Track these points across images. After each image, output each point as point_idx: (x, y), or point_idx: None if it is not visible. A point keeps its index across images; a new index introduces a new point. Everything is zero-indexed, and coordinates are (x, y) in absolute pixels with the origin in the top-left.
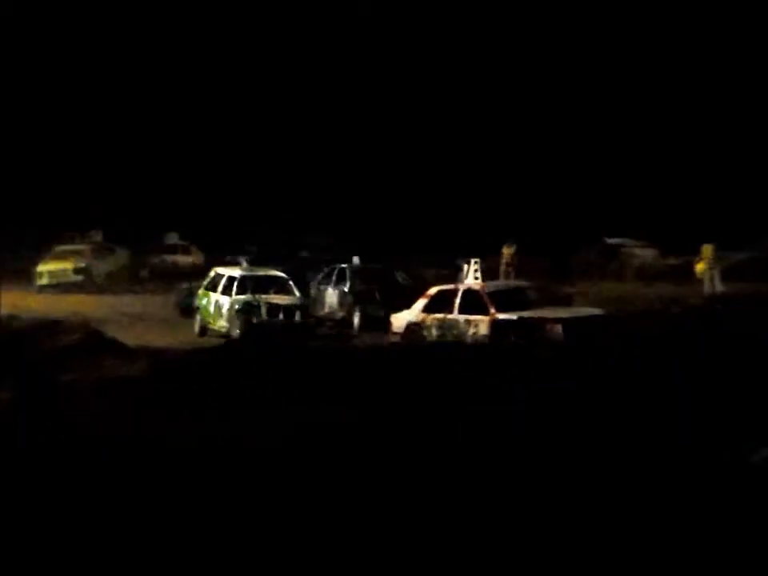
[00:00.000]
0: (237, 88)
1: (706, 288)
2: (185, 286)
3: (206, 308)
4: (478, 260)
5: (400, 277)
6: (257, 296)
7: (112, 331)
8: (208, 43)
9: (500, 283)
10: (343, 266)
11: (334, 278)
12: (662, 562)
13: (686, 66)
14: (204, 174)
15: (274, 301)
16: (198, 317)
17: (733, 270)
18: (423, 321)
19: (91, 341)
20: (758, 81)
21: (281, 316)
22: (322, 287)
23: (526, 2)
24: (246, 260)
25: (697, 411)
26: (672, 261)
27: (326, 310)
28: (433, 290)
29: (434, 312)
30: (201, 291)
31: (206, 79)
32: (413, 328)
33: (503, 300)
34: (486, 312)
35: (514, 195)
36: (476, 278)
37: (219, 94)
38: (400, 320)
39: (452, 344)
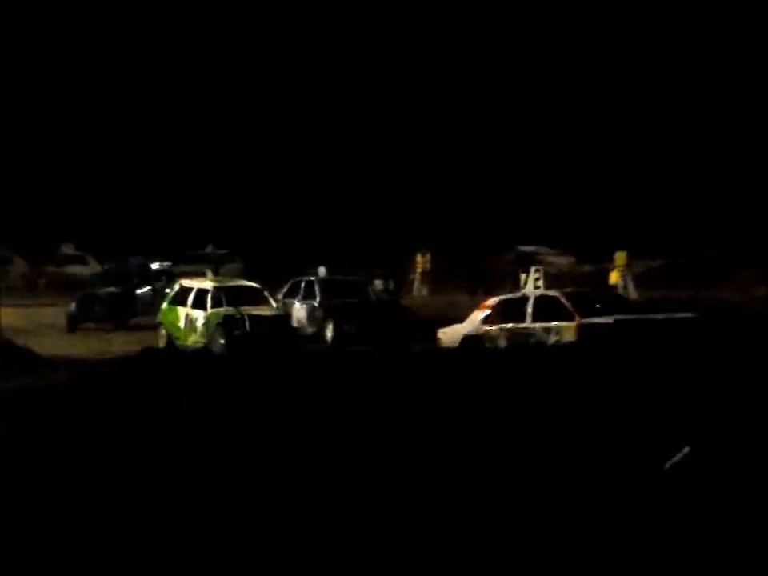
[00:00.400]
0: (236, 88)
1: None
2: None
3: (173, 323)
4: (539, 268)
5: (374, 289)
6: (239, 308)
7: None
8: (207, 43)
9: (573, 290)
10: (310, 278)
11: (301, 291)
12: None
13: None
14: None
15: (257, 312)
16: (164, 331)
17: (647, 277)
18: (487, 333)
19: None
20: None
21: (265, 328)
22: (287, 301)
23: (526, 3)
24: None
25: (611, 417)
26: (587, 268)
27: (294, 325)
28: (493, 301)
29: (500, 322)
30: (165, 306)
31: (205, 79)
32: (473, 341)
33: (583, 305)
34: (569, 318)
35: (426, 203)
36: (537, 287)
37: (218, 94)
38: (452, 334)
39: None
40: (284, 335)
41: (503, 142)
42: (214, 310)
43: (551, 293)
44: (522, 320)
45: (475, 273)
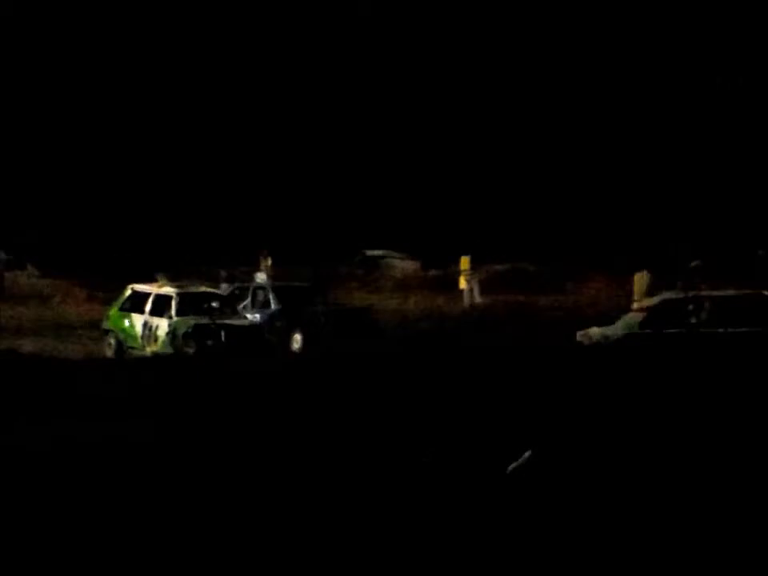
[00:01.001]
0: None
1: (466, 299)
2: None
3: (127, 331)
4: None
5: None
6: (213, 318)
7: None
8: (206, 43)
9: None
10: (260, 284)
11: (249, 298)
12: None
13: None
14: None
15: (232, 322)
16: (112, 340)
17: (493, 281)
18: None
19: None
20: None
21: (242, 339)
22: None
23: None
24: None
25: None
26: (433, 272)
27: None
28: (652, 301)
29: (662, 327)
30: (113, 311)
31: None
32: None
33: None
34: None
35: (268, 206)
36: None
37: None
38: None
39: None
40: (260, 346)
41: (351, 146)
42: (182, 318)
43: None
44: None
45: (321, 275)
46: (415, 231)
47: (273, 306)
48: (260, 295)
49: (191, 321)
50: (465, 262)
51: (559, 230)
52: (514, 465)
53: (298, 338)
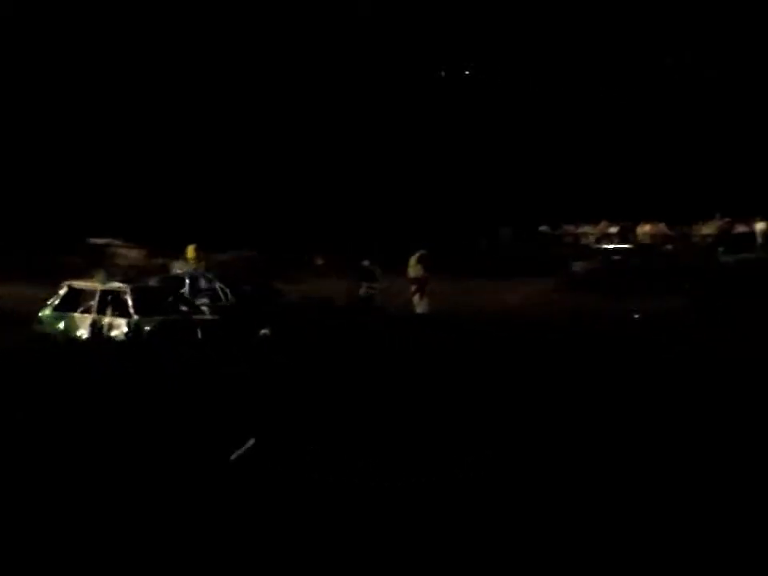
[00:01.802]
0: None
1: None
2: None
3: (68, 333)
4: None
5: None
6: (174, 314)
7: None
8: (205, 42)
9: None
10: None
11: (186, 290)
12: None
13: None
14: None
15: (203, 317)
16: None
17: (219, 269)
18: None
19: None
20: None
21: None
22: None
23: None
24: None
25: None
26: (159, 261)
27: None
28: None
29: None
30: (47, 314)
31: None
32: None
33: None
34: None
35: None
36: None
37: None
38: None
39: None
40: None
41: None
42: (144, 316)
43: None
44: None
45: (44, 264)
46: (140, 219)
47: (225, 299)
48: (200, 286)
49: (156, 318)
50: (191, 251)
51: (283, 219)
52: (237, 452)
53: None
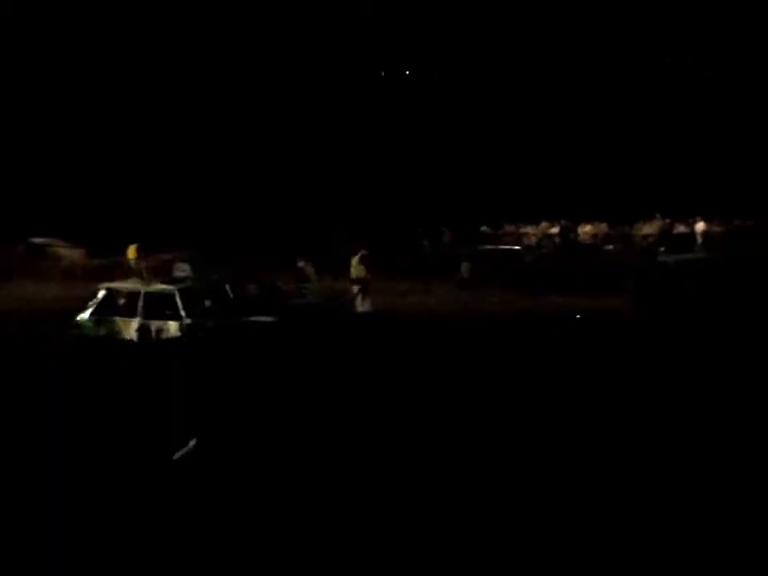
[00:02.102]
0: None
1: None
2: None
3: (114, 337)
4: None
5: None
6: (223, 316)
7: None
8: (205, 41)
9: None
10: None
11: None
12: None
13: None
14: None
15: (255, 319)
16: None
17: (162, 269)
18: None
19: None
20: None
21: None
22: None
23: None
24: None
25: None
26: (99, 261)
27: None
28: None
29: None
30: (86, 317)
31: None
32: None
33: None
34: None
35: None
36: None
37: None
38: None
39: None
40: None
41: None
42: (195, 319)
43: None
44: None
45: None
46: (80, 219)
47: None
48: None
49: (209, 321)
50: (132, 251)
51: (223, 218)
52: (180, 452)
53: None
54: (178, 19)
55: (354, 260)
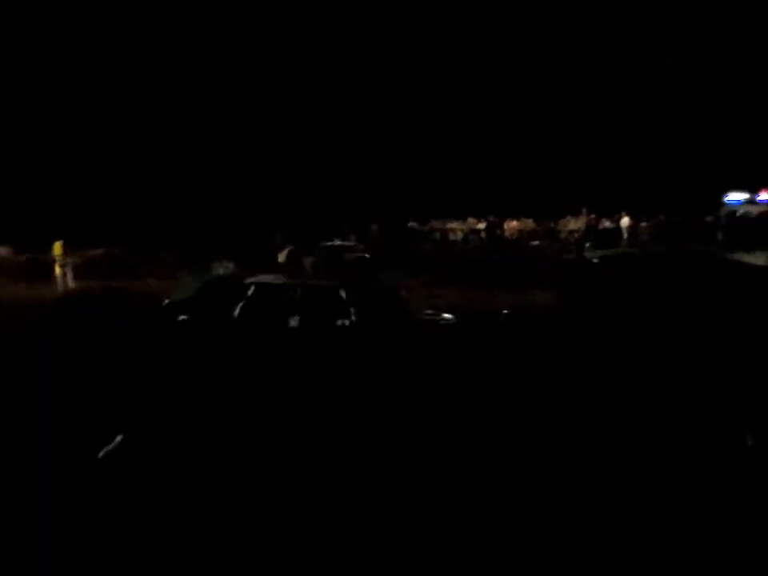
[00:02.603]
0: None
1: (60, 285)
2: None
3: None
4: None
5: None
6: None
7: None
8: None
9: None
10: None
11: None
12: None
13: None
14: None
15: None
16: None
17: (86, 267)
18: None
19: None
20: None
21: None
22: None
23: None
24: None
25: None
26: (27, 258)
27: None
28: None
29: None
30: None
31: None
32: None
33: None
34: None
35: None
36: None
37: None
38: None
39: None
40: None
41: None
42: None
43: None
44: None
45: None
46: (4, 216)
47: None
48: None
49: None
50: (58, 248)
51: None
52: (105, 449)
53: None
54: (172, 17)
55: (281, 256)
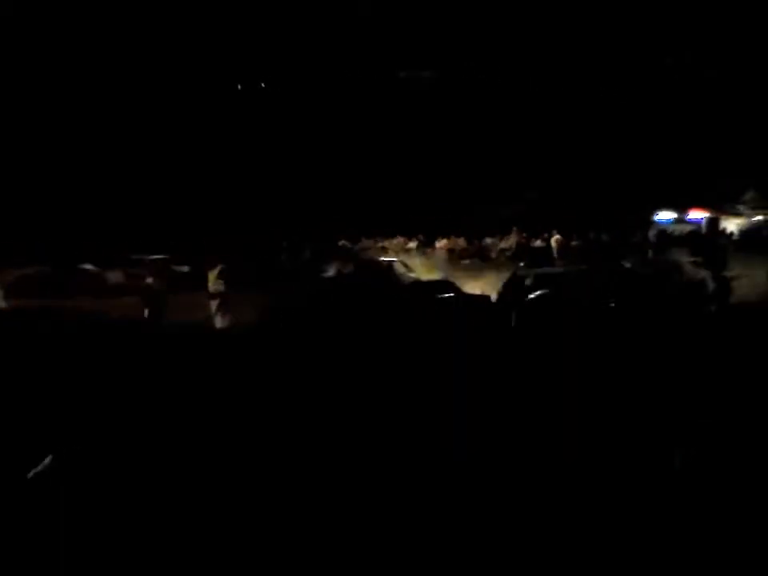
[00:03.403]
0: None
1: None
2: None
3: None
4: None
5: None
6: None
7: None
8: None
9: None
10: None
11: None
12: None
13: None
14: None
15: None
16: None
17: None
18: None
19: None
20: None
21: None
22: None
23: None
24: None
25: None
26: None
27: None
28: None
29: None
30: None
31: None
32: None
33: None
34: None
35: None
36: None
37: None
38: None
39: None
40: None
41: None
42: None
43: None
44: None
45: None
46: None
47: None
48: None
49: None
50: None
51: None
52: (35, 470)
53: None
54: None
55: (212, 274)
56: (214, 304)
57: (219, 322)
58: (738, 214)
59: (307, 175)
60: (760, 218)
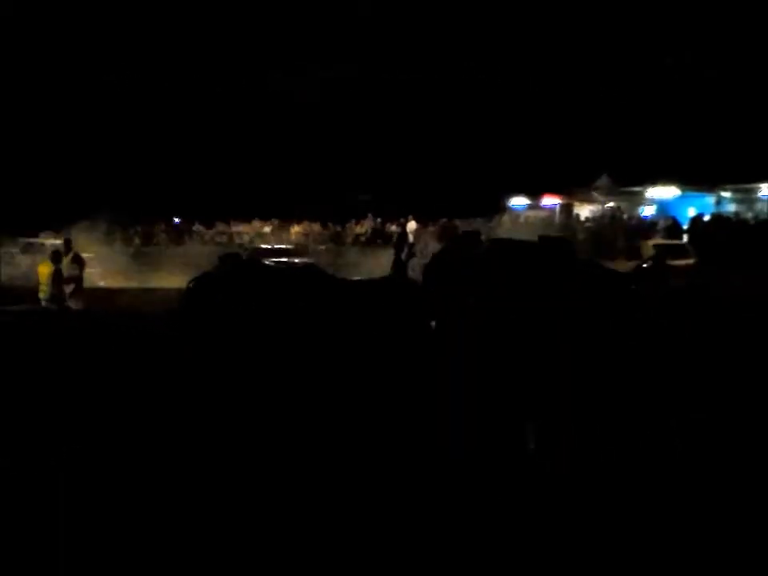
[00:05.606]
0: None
1: None
2: None
3: None
4: None
5: None
6: None
7: None
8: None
9: None
10: None
11: None
12: None
13: None
14: None
15: None
16: None
17: None
18: None
19: None
20: None
21: None
22: None
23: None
24: None
25: None
26: None
27: None
28: None
29: None
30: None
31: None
32: None
33: None
34: None
35: None
36: None
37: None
38: None
39: None
40: None
41: None
42: None
43: None
44: None
45: None
46: None
47: None
48: None
49: None
50: None
51: None
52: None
53: None
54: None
55: (67, 259)
56: (68, 288)
57: (74, 304)
58: (591, 201)
59: (169, 153)
60: (612, 204)
